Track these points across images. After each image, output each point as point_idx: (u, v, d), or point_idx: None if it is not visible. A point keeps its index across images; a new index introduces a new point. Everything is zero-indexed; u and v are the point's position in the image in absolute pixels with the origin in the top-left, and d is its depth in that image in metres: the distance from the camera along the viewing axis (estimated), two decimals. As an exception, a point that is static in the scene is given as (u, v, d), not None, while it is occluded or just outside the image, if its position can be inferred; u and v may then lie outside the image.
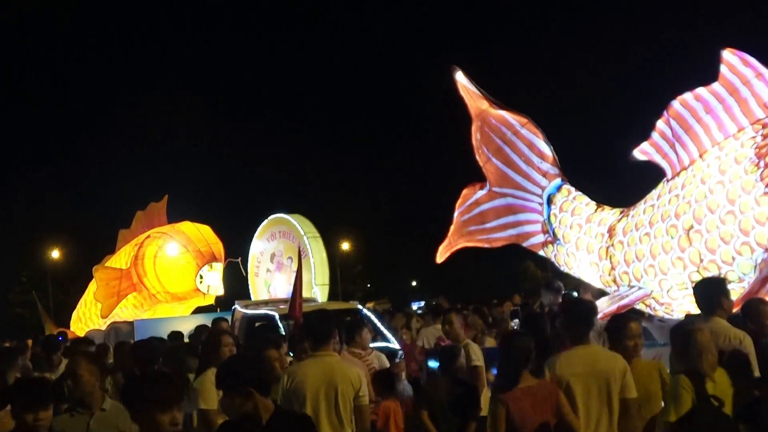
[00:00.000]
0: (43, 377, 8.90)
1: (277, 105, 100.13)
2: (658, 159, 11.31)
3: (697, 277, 10.45)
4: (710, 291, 7.23)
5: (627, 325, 6.51)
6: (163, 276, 23.82)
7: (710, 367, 5.84)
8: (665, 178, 11.35)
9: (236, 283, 26.91)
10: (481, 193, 13.41)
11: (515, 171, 12.95)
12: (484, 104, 13.30)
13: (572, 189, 12.71)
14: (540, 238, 12.96)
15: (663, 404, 6.09)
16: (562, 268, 13.05)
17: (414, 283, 75.05)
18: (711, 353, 5.90)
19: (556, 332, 8.85)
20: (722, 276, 9.99)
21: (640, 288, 11.43)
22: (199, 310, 24.96)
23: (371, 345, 10.70)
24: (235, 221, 41.06)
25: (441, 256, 13.96)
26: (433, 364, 11.42)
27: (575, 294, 16.57)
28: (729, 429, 5.52)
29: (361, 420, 6.74)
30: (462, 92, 13.49)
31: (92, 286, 25.70)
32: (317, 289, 25.01)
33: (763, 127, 10.27)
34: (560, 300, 13.91)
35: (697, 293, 7.25)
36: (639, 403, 6.22)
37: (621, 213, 12.06)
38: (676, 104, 10.91)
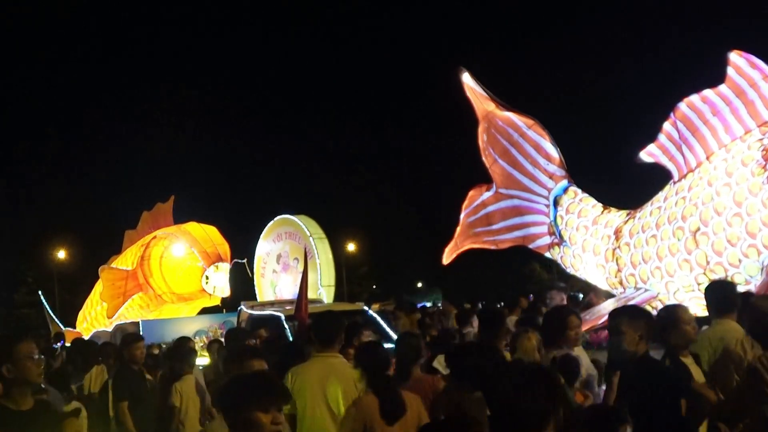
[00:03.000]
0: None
1: (283, 106, 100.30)
2: (664, 161, 11.31)
3: (704, 280, 10.44)
4: (722, 293, 7.20)
5: (568, 318, 6.87)
6: (169, 276, 23.82)
7: None
8: (672, 180, 11.34)
9: (242, 283, 26.90)
10: (487, 194, 13.41)
11: (522, 173, 12.95)
12: (491, 106, 13.30)
13: (579, 191, 12.71)
14: (546, 239, 12.96)
15: None
16: (568, 270, 13.04)
17: (419, 285, 74.97)
18: (533, 357, 6.63)
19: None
20: (729, 278, 10.01)
21: (646, 290, 11.43)
22: (205, 311, 24.97)
23: None
24: (241, 222, 41.12)
25: (447, 257, 13.96)
26: None
27: (580, 296, 16.58)
28: None
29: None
30: (468, 94, 13.49)
31: (98, 287, 25.73)
32: (323, 290, 25.01)
33: (771, 129, 10.27)
34: (565, 300, 13.93)
35: (708, 294, 7.22)
36: None
37: (627, 215, 12.05)
38: (682, 106, 10.90)
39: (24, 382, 4.93)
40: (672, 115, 11.01)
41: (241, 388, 3.96)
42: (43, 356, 5.16)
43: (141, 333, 18.79)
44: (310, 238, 25.42)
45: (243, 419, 3.84)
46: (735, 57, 10.41)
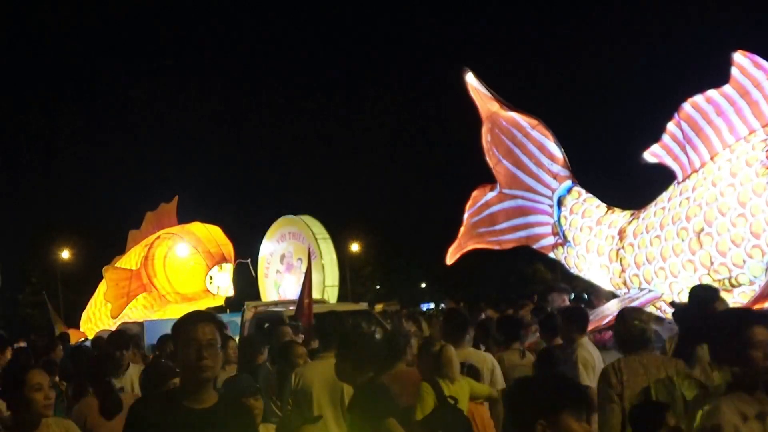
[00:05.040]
0: None
1: (288, 106, 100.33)
2: (668, 161, 11.29)
3: (708, 280, 10.43)
4: (706, 297, 7.31)
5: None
6: (172, 277, 23.81)
7: (453, 374, 6.91)
8: (676, 181, 11.33)
9: (246, 284, 26.91)
10: (491, 194, 13.40)
11: (525, 173, 12.93)
12: (495, 106, 13.29)
13: (583, 191, 12.69)
14: (550, 240, 12.94)
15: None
16: (572, 271, 13.02)
17: (423, 285, 75.01)
18: (454, 364, 6.95)
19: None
20: (734, 279, 10.06)
21: (650, 290, 11.41)
22: (208, 311, 24.93)
23: None
24: (245, 222, 41.19)
25: (451, 257, 13.95)
26: None
27: (585, 297, 16.56)
28: (463, 420, 6.71)
29: (318, 417, 6.76)
30: (472, 94, 13.48)
31: (102, 287, 25.72)
32: (327, 291, 25.04)
33: (775, 129, 10.25)
34: (567, 302, 13.91)
35: (692, 298, 7.33)
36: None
37: (631, 215, 12.04)
38: (686, 106, 10.88)
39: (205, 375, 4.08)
40: (676, 115, 10.99)
41: (554, 391, 3.44)
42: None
43: (145, 333, 18.89)
44: (314, 239, 25.45)
45: (552, 424, 3.34)
46: (739, 57, 10.39)
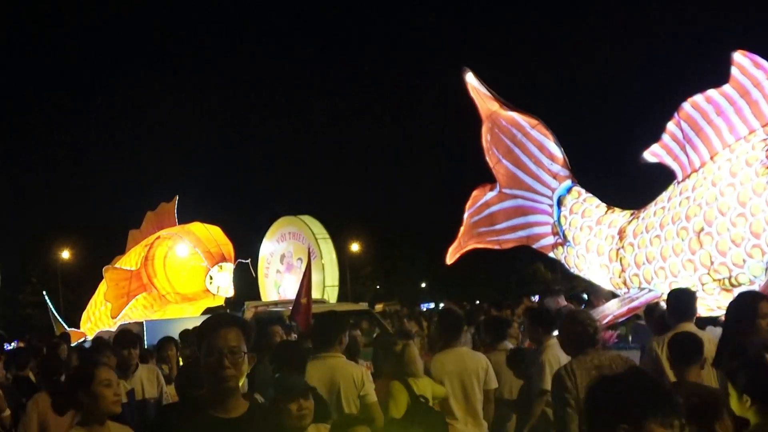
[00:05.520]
0: None
1: (288, 106, 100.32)
2: (668, 161, 11.28)
3: (708, 280, 10.43)
4: (682, 299, 7.36)
5: None
6: (172, 277, 23.80)
7: (418, 373, 7.09)
8: (676, 180, 11.32)
9: (246, 284, 26.93)
10: (491, 194, 13.39)
11: (525, 172, 12.92)
12: (495, 105, 13.28)
13: (582, 191, 12.68)
14: (550, 239, 12.93)
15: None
16: (572, 270, 13.01)
17: (423, 285, 75.01)
18: (418, 363, 7.13)
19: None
20: (734, 278, 10.06)
21: (650, 290, 11.40)
22: (208, 311, 24.92)
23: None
24: (245, 222, 41.22)
25: (451, 257, 13.95)
26: None
27: (585, 296, 16.57)
28: (438, 417, 6.98)
29: (371, 417, 6.76)
30: (472, 93, 13.47)
31: (102, 287, 25.72)
32: (327, 290, 25.07)
33: (774, 129, 10.24)
34: (564, 302, 13.91)
35: (670, 301, 7.38)
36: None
37: (631, 215, 12.03)
38: (686, 106, 10.87)
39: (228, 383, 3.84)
40: (676, 115, 10.98)
41: (642, 395, 3.13)
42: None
43: (144, 333, 18.89)
44: (314, 238, 25.47)
45: (636, 430, 3.04)
46: (739, 57, 10.38)
